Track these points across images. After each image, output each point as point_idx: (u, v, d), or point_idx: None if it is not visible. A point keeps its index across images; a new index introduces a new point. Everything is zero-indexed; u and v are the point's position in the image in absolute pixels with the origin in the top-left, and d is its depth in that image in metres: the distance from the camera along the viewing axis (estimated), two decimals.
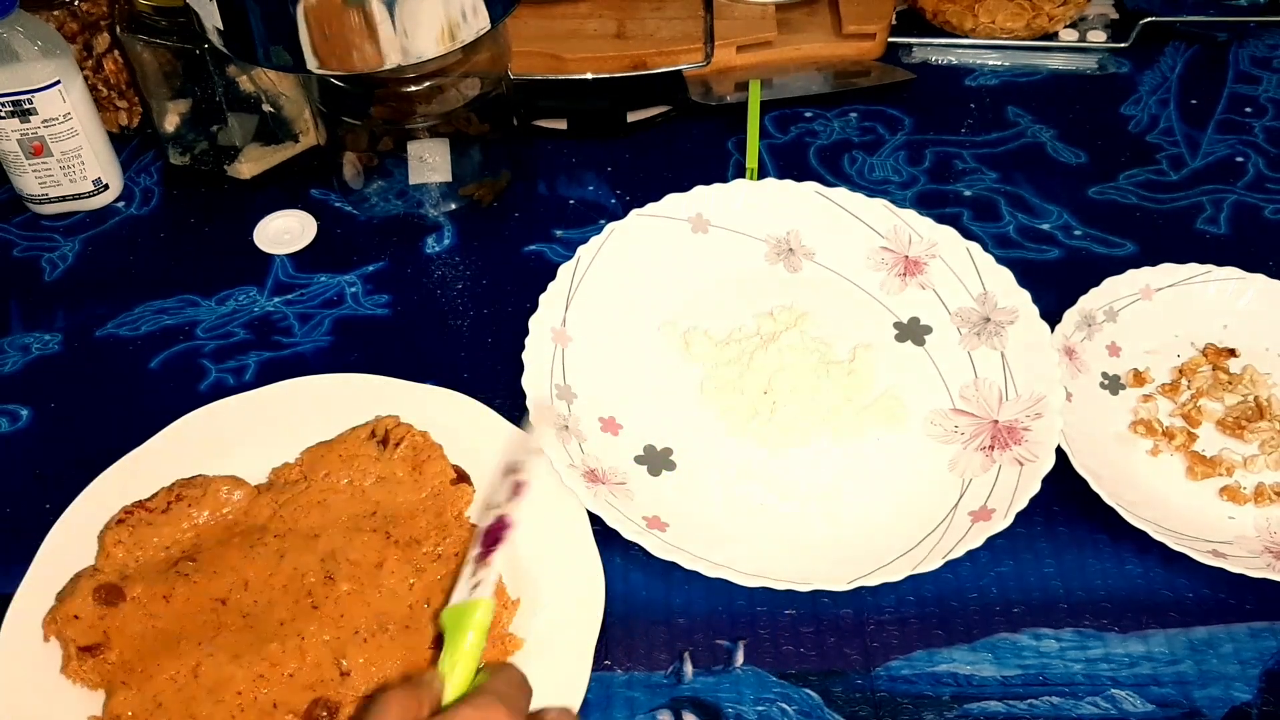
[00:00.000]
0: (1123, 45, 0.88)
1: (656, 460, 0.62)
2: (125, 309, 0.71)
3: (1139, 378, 0.65)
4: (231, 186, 0.78)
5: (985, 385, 0.63)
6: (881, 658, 0.55)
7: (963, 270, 0.66)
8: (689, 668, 0.54)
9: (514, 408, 0.61)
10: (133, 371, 0.68)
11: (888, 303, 0.68)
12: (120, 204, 0.78)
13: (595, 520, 0.56)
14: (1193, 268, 0.67)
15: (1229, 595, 0.56)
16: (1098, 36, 0.88)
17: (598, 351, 0.65)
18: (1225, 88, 0.85)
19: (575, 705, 0.51)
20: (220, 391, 0.66)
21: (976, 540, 0.55)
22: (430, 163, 0.75)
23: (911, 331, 0.67)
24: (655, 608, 0.57)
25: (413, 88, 0.71)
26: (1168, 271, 0.67)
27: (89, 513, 0.58)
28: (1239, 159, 0.80)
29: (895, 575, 0.54)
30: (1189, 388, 0.65)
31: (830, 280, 0.69)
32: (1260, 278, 0.67)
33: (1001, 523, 0.56)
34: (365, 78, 0.70)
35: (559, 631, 0.54)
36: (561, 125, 0.82)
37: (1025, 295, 0.64)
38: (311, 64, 0.62)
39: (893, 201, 0.69)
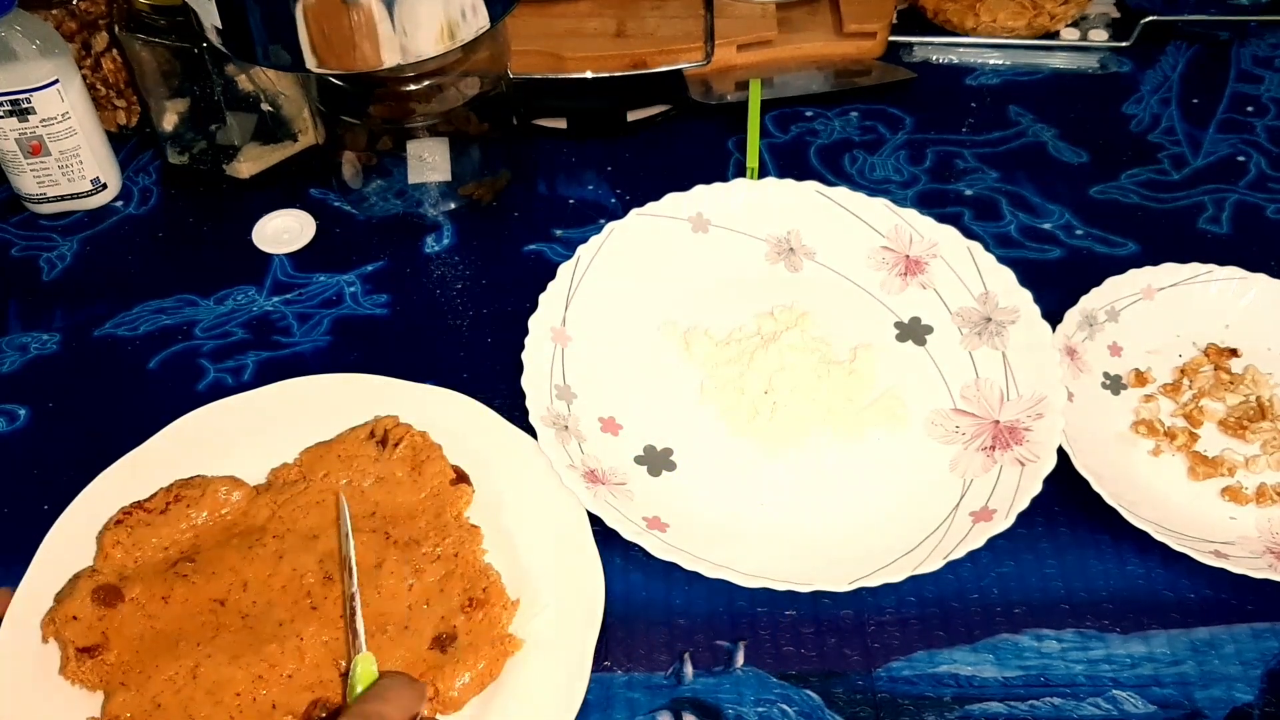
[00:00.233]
0: (1124, 44, 0.88)
1: (657, 460, 0.62)
2: (124, 309, 0.71)
3: (1140, 378, 0.65)
4: (230, 186, 0.78)
5: (986, 385, 0.63)
6: (882, 658, 0.54)
7: (964, 270, 0.66)
8: (689, 669, 0.54)
9: (514, 408, 0.61)
10: (131, 371, 0.68)
11: (888, 302, 0.68)
12: (119, 203, 0.78)
13: (595, 520, 0.56)
14: (1194, 267, 0.67)
15: (1231, 596, 0.56)
16: (1099, 35, 0.88)
17: (598, 351, 0.65)
18: (1227, 87, 0.85)
19: (575, 706, 0.51)
20: (219, 391, 0.66)
21: (978, 541, 0.55)
22: (429, 162, 0.75)
23: (912, 331, 0.66)
24: (655, 608, 0.56)
25: (412, 87, 0.71)
26: (1169, 271, 0.67)
27: (88, 513, 0.58)
28: (1241, 158, 0.80)
29: (896, 576, 0.54)
30: (1190, 388, 0.65)
31: (831, 280, 0.69)
32: (1262, 277, 0.67)
33: (1003, 523, 0.55)
34: (364, 77, 0.69)
35: (559, 633, 0.53)
36: (561, 124, 0.82)
37: (1026, 295, 0.64)
38: (310, 63, 0.62)
39: (894, 201, 0.68)
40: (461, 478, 0.59)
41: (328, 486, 0.58)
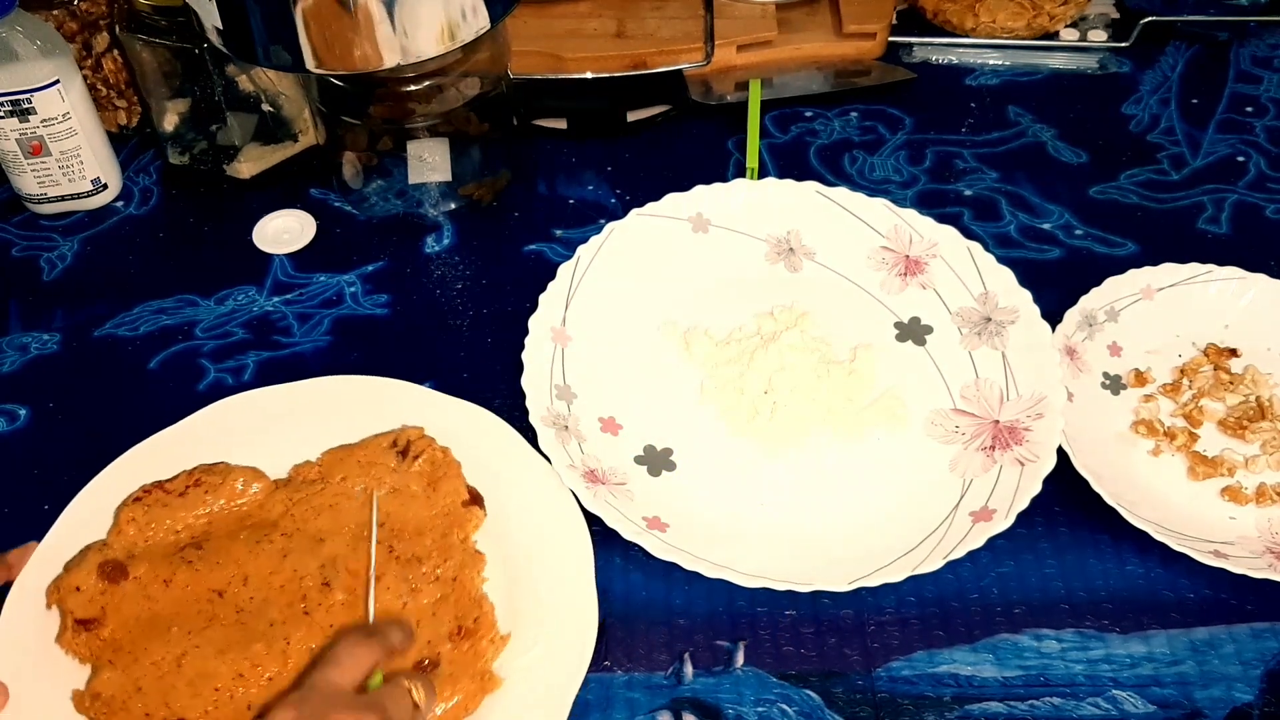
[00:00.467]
0: (1124, 45, 0.88)
1: (657, 460, 0.62)
2: (124, 309, 0.71)
3: (1140, 378, 0.65)
4: (230, 186, 0.78)
5: (986, 385, 0.63)
6: (882, 658, 0.54)
7: (963, 270, 0.66)
8: (689, 669, 0.54)
9: (514, 408, 0.61)
10: (131, 371, 0.68)
11: (888, 302, 0.68)
12: (119, 203, 0.78)
13: (595, 520, 0.56)
14: (1194, 267, 0.67)
15: (1230, 596, 0.56)
16: (1098, 36, 0.88)
17: (598, 351, 0.65)
18: (1226, 87, 0.85)
19: (565, 707, 0.51)
20: (219, 391, 0.66)
21: (977, 541, 0.55)
22: (430, 162, 0.75)
23: (912, 331, 0.66)
24: (655, 608, 0.57)
25: (412, 87, 0.71)
26: (1169, 271, 0.67)
27: (115, 484, 0.58)
28: (1240, 158, 0.80)
29: (896, 576, 0.54)
30: (1190, 388, 0.65)
31: (831, 280, 0.69)
32: (1261, 277, 0.67)
33: (1002, 523, 0.55)
34: (365, 77, 0.69)
35: (542, 676, 0.52)
36: (561, 125, 0.82)
37: (1026, 295, 0.64)
38: (311, 64, 0.62)
39: (893, 201, 0.68)
40: (475, 500, 0.58)
41: (343, 490, 0.58)
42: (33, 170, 0.74)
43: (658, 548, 0.55)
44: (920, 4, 0.89)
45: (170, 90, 0.75)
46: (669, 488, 0.60)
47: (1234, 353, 0.66)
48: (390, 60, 0.62)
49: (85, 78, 0.75)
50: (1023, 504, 0.56)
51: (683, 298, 0.68)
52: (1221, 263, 0.67)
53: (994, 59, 0.88)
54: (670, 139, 0.82)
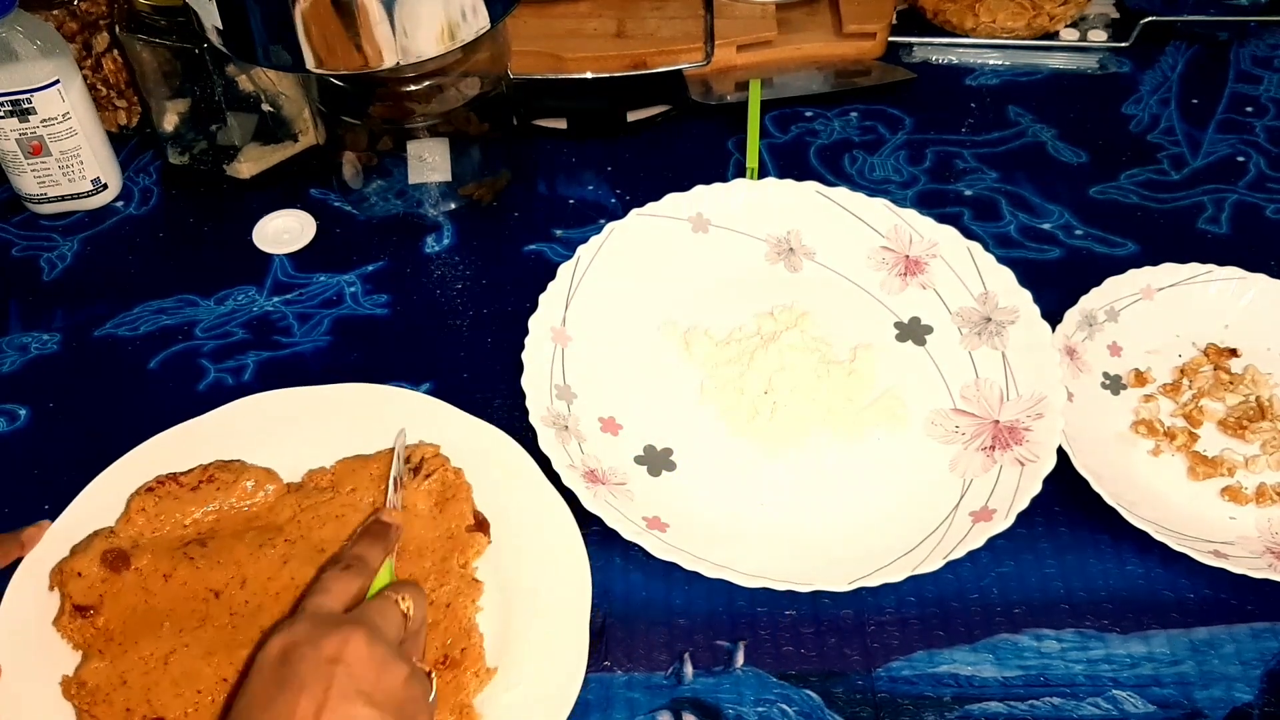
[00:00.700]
0: (1124, 45, 0.88)
1: (656, 460, 0.62)
2: (124, 309, 0.71)
3: (1140, 378, 0.65)
4: (230, 186, 0.78)
5: (986, 385, 0.63)
6: (882, 658, 0.54)
7: (963, 270, 0.66)
8: (689, 669, 0.54)
9: (514, 408, 0.61)
10: (131, 371, 0.68)
11: (888, 302, 0.68)
12: (119, 203, 0.78)
13: (595, 521, 0.56)
14: (1194, 267, 0.67)
15: (1230, 596, 0.56)
16: (1098, 36, 0.88)
17: (598, 351, 0.65)
18: (1226, 87, 0.85)
19: (563, 715, 0.51)
20: (219, 391, 0.66)
21: (977, 541, 0.55)
22: (430, 162, 0.75)
23: (912, 331, 0.66)
24: (655, 608, 0.56)
25: (412, 87, 0.71)
26: (1169, 271, 0.67)
27: (134, 472, 0.58)
28: (1240, 158, 0.80)
29: (896, 576, 0.54)
30: (1190, 388, 0.65)
31: (831, 280, 0.69)
32: (1261, 277, 0.67)
33: (1002, 523, 0.55)
34: (364, 77, 0.69)
35: (522, 716, 0.51)
36: (561, 125, 0.82)
37: (1026, 295, 0.64)
38: (310, 64, 0.62)
39: (893, 201, 0.69)
40: (481, 525, 0.57)
41: (351, 502, 0.58)
42: (33, 170, 0.74)
43: (658, 548, 0.55)
44: (920, 4, 0.89)
45: (170, 90, 0.75)
46: (669, 488, 0.60)
47: (1234, 353, 0.66)
48: (390, 60, 0.62)
49: (85, 78, 0.75)
50: (1023, 504, 0.56)
51: (683, 298, 0.68)
52: (1221, 263, 0.67)
53: (994, 59, 0.88)
54: (670, 139, 0.82)
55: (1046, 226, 0.75)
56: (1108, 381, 0.65)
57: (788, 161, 0.80)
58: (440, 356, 0.68)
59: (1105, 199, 0.77)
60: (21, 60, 0.69)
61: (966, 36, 0.88)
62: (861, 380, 0.64)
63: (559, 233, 0.75)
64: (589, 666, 0.52)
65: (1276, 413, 0.63)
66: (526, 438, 0.60)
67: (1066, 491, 0.59)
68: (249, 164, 0.78)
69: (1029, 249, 0.74)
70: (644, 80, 0.83)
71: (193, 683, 0.51)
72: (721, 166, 0.80)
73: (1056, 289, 0.67)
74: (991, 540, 0.55)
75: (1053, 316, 0.64)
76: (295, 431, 0.61)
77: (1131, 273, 0.67)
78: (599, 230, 0.67)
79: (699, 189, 0.69)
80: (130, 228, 0.77)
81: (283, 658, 0.44)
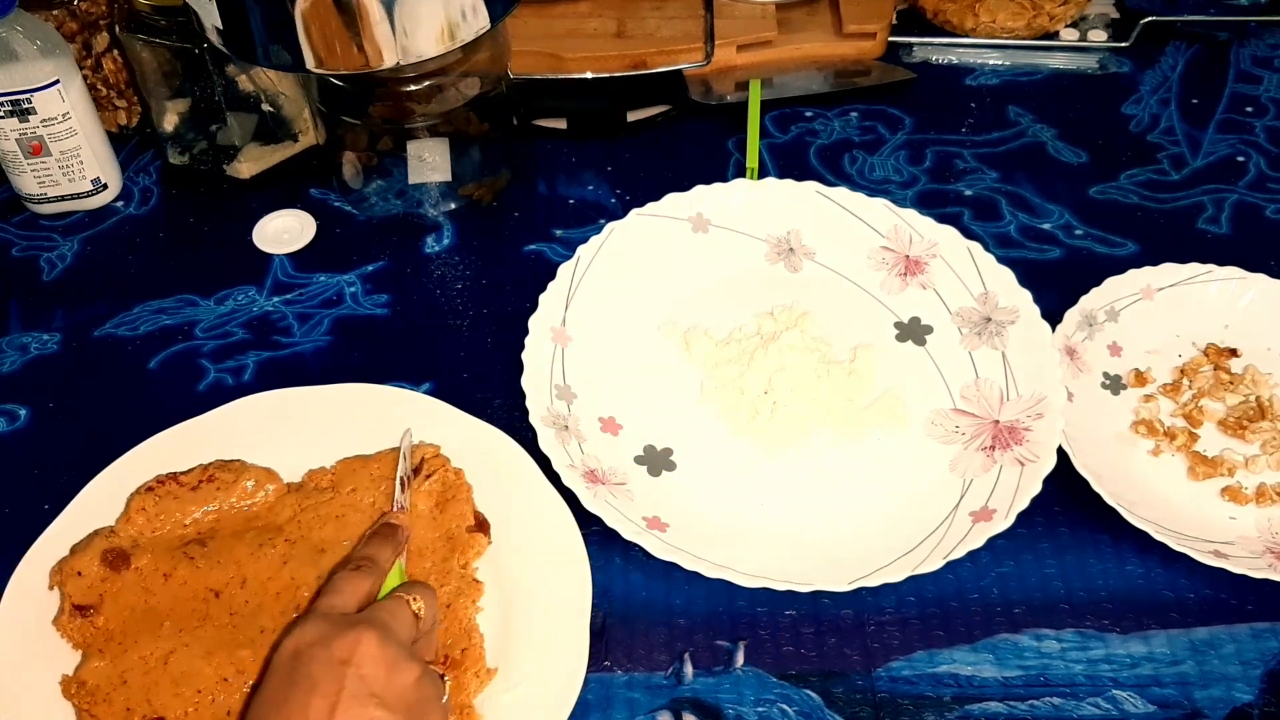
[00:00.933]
0: (1124, 45, 0.88)
1: (656, 460, 0.62)
2: (124, 309, 0.71)
3: (1140, 378, 0.65)
4: (230, 186, 0.78)
5: (986, 385, 0.63)
6: (882, 658, 0.54)
7: (963, 270, 0.66)
8: (689, 669, 0.54)
9: (514, 408, 0.61)
10: (131, 371, 0.68)
11: (888, 302, 0.68)
12: (119, 203, 0.78)
13: (595, 521, 0.56)
14: (1194, 267, 0.67)
15: (1230, 596, 0.56)
16: (1098, 36, 0.88)
17: (598, 351, 0.65)
18: (1226, 87, 0.85)
19: (563, 716, 0.51)
20: (219, 391, 0.66)
21: (977, 541, 0.55)
22: (430, 162, 0.75)
23: (912, 331, 0.66)
24: (655, 608, 0.57)
25: (412, 87, 0.71)
26: (1169, 271, 0.67)
27: (134, 471, 0.58)
28: (1240, 158, 0.80)
29: (896, 576, 0.54)
30: (1190, 388, 0.65)
31: (831, 280, 0.69)
32: (1261, 277, 0.67)
33: (1002, 523, 0.55)
34: (364, 77, 0.69)
35: (521, 717, 0.52)
36: (561, 125, 0.82)
37: (1026, 295, 0.64)
38: (310, 63, 0.62)
39: (893, 201, 0.68)
40: (481, 526, 0.57)
41: (351, 503, 0.58)
42: (33, 170, 0.74)
43: (658, 548, 0.55)
44: (920, 4, 0.89)
45: (170, 90, 0.75)
46: (669, 488, 0.60)
47: (1234, 353, 0.66)
48: (390, 60, 0.62)
49: (85, 78, 0.75)
50: (1023, 504, 0.56)
51: (683, 298, 0.68)
52: (1221, 263, 0.67)
53: (994, 59, 0.88)
54: (670, 139, 0.82)
55: (1046, 226, 0.75)
56: (1108, 381, 0.65)
57: (788, 161, 0.80)
58: (440, 356, 0.68)
59: (1105, 199, 0.77)
60: (21, 60, 0.69)
61: (966, 36, 0.88)
62: (861, 380, 0.64)
63: (559, 233, 0.75)
64: (589, 667, 0.52)
65: (1276, 413, 0.63)
66: (526, 438, 0.60)
67: (1066, 491, 0.59)
68: (249, 164, 0.78)
69: (1029, 249, 0.74)
70: (644, 80, 0.83)
71: (193, 682, 0.51)
72: (721, 166, 0.80)
73: (1056, 289, 0.67)
74: (991, 540, 0.55)
75: (1053, 316, 0.64)
76: (295, 431, 0.61)
77: (1131, 273, 0.67)
78: (599, 230, 0.67)
79: (699, 189, 0.69)
80: (130, 228, 0.77)
81: (295, 658, 0.44)
